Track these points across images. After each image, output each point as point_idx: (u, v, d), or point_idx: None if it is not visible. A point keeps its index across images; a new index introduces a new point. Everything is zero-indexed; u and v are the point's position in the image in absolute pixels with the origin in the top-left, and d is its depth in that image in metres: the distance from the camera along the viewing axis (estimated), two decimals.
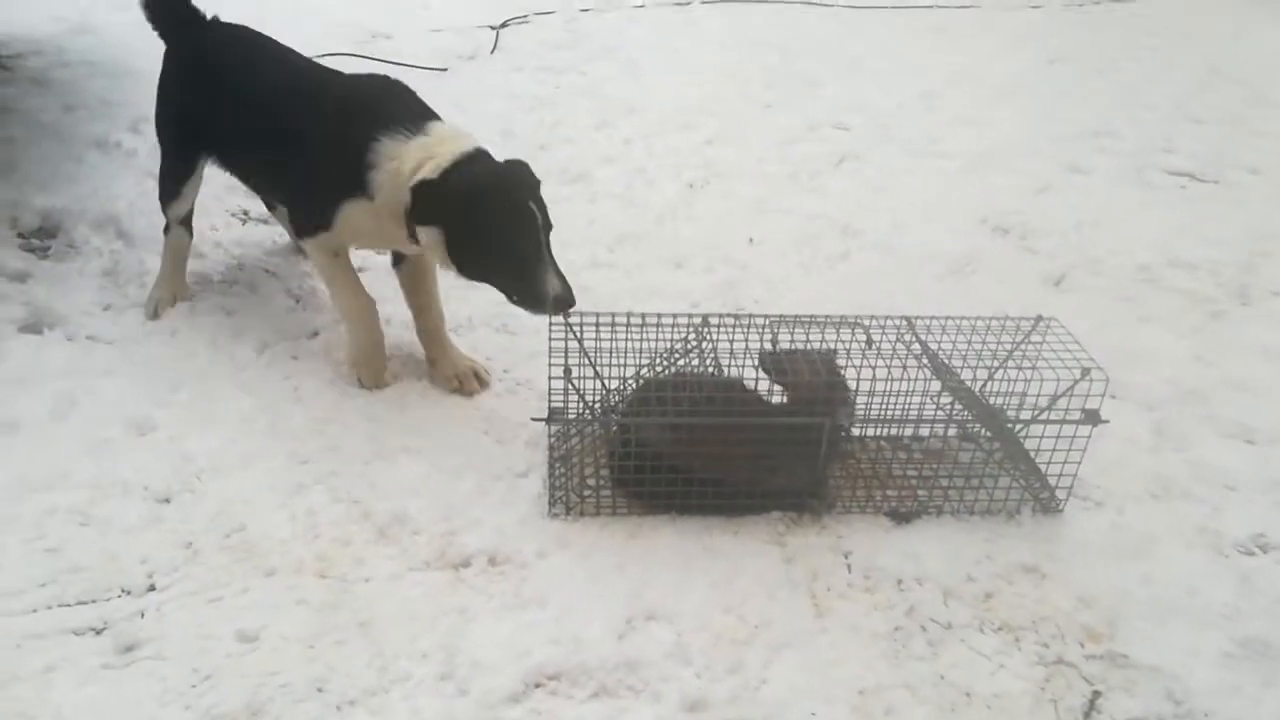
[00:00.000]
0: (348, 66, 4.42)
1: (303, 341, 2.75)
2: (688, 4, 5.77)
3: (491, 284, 2.38)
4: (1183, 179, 4.16)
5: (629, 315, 2.32)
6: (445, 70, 4.63)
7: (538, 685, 1.85)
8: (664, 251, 3.35)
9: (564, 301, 2.28)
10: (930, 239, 3.54)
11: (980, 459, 2.39)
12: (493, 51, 4.93)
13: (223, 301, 2.90)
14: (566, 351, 2.23)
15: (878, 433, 2.43)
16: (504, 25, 5.20)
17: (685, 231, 3.50)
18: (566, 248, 3.31)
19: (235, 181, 3.44)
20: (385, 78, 2.57)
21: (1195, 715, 1.88)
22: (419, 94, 2.53)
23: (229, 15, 2.81)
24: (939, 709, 1.86)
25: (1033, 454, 2.35)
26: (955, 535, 2.24)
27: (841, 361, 2.24)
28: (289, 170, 2.55)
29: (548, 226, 2.33)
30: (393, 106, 2.42)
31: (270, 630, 1.92)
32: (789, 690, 1.88)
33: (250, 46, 2.73)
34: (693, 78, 4.73)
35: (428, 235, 2.32)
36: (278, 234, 3.22)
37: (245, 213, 3.34)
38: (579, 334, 2.29)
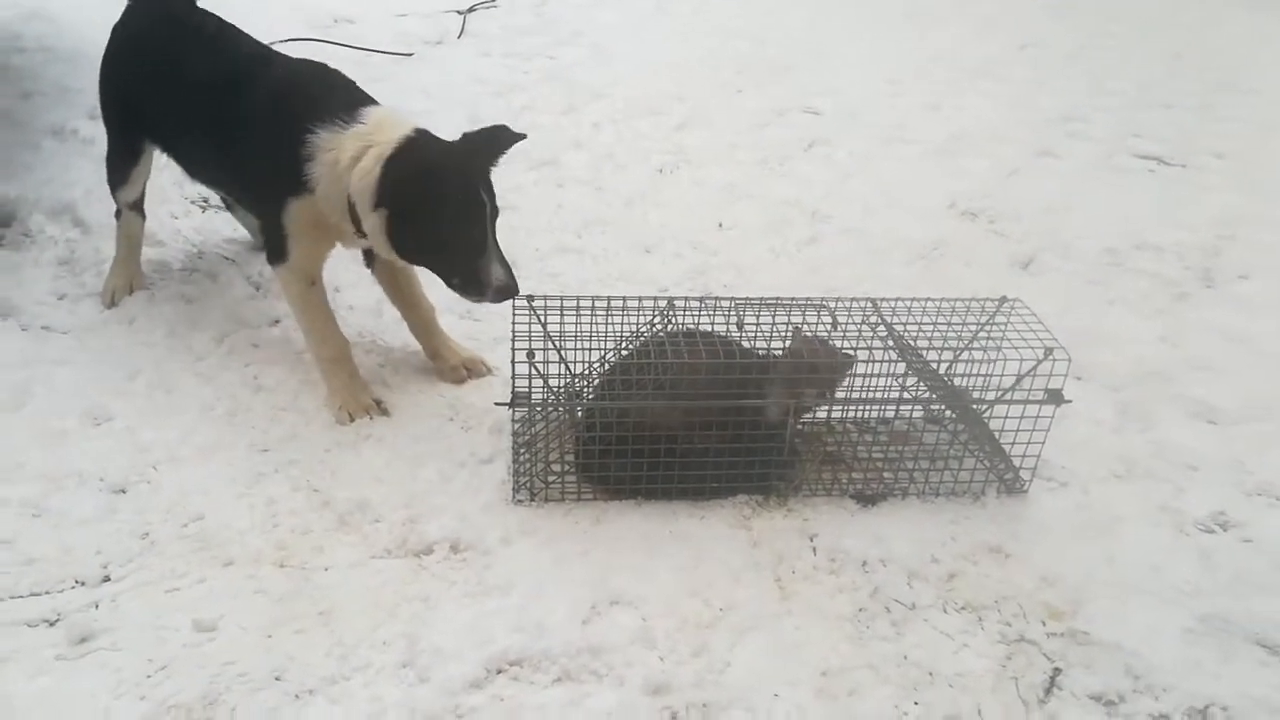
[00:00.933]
0: (309, 52, 4.37)
1: (264, 330, 2.71)
2: None
3: (431, 269, 2.30)
4: (1151, 163, 4.18)
5: (593, 299, 2.30)
6: (411, 55, 4.58)
7: (500, 671, 1.83)
8: (633, 237, 3.33)
9: (506, 290, 2.22)
10: (899, 223, 3.54)
11: (945, 440, 2.40)
12: (459, 36, 4.88)
13: (182, 289, 2.85)
14: (530, 335, 2.20)
15: (844, 415, 2.42)
16: (471, 10, 5.15)
17: (654, 217, 3.48)
18: (533, 234, 3.32)
19: None
20: (318, 65, 2.45)
21: (1154, 690, 1.89)
22: (361, 81, 2.41)
23: None
24: (902, 688, 1.86)
25: (998, 435, 2.35)
26: (920, 517, 2.24)
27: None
28: (229, 167, 2.45)
29: (494, 212, 2.24)
30: (325, 95, 2.29)
31: (228, 620, 1.90)
32: (753, 673, 1.87)
33: (188, 25, 2.54)
34: (663, 63, 4.70)
35: (370, 221, 2.21)
36: (236, 221, 3.17)
37: (205, 200, 3.29)
38: (543, 318, 2.27)
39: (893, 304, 2.36)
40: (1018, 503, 2.30)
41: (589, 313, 2.29)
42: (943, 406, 2.43)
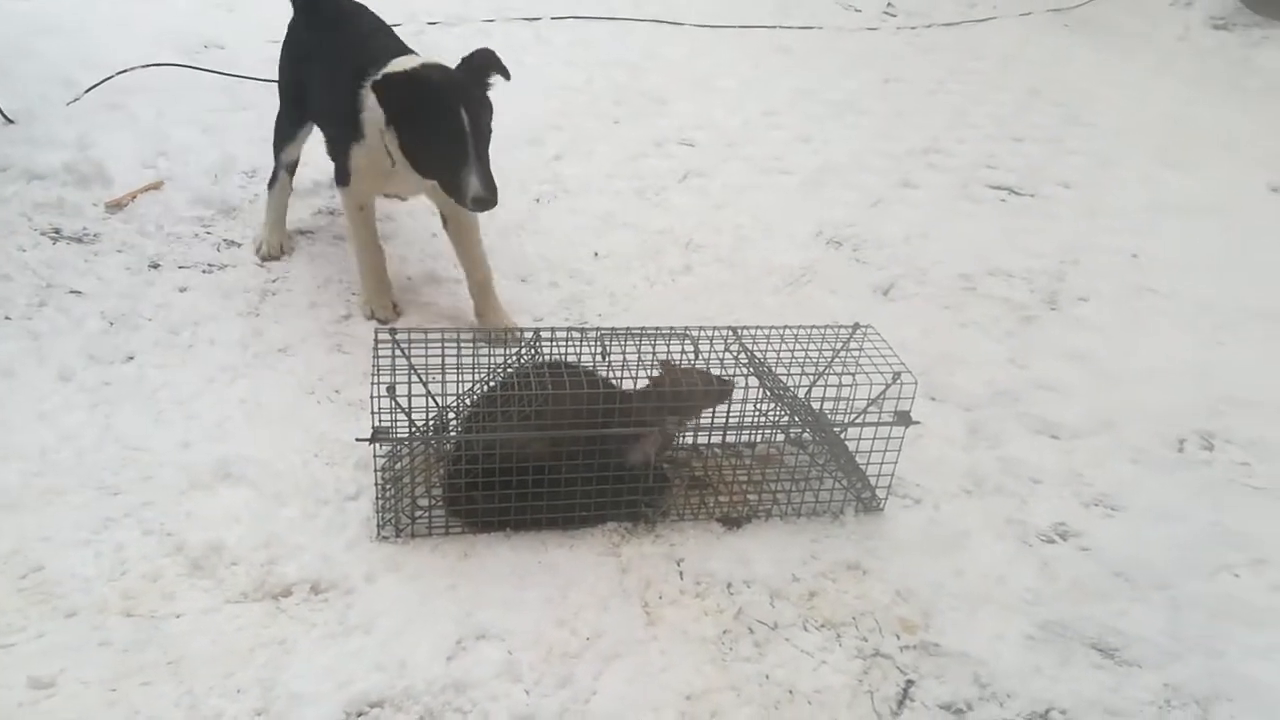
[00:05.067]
0: (175, 78, 4.28)
1: (116, 366, 2.61)
2: (537, 19, 5.77)
3: (433, 179, 2.65)
4: (1003, 193, 4.43)
5: (458, 331, 2.30)
6: None
7: (360, 715, 1.80)
8: (509, 266, 3.34)
9: (483, 201, 2.52)
10: (770, 252, 3.65)
11: (806, 463, 2.48)
12: None
13: (29, 326, 2.72)
14: (394, 369, 2.18)
15: (710, 440, 2.48)
16: None
17: (530, 247, 3.50)
18: (406, 262, 3.30)
19: (44, 198, 3.27)
20: (373, 30, 3.01)
21: (999, 697, 1.99)
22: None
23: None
24: (763, 708, 1.91)
25: (855, 456, 2.45)
26: (782, 537, 2.32)
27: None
28: (328, 125, 3.00)
29: (481, 129, 2.53)
30: (373, 55, 2.72)
31: (68, 674, 1.81)
32: (618, 700, 1.89)
33: (324, 15, 3.06)
34: (542, 93, 4.72)
35: (388, 138, 2.61)
36: (91, 251, 3.05)
37: (57, 231, 3.14)
38: (407, 351, 2.25)
39: (753, 332, 2.44)
40: (874, 520, 2.40)
41: (454, 344, 2.28)
42: (802, 430, 2.51)
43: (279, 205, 3.28)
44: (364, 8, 3.16)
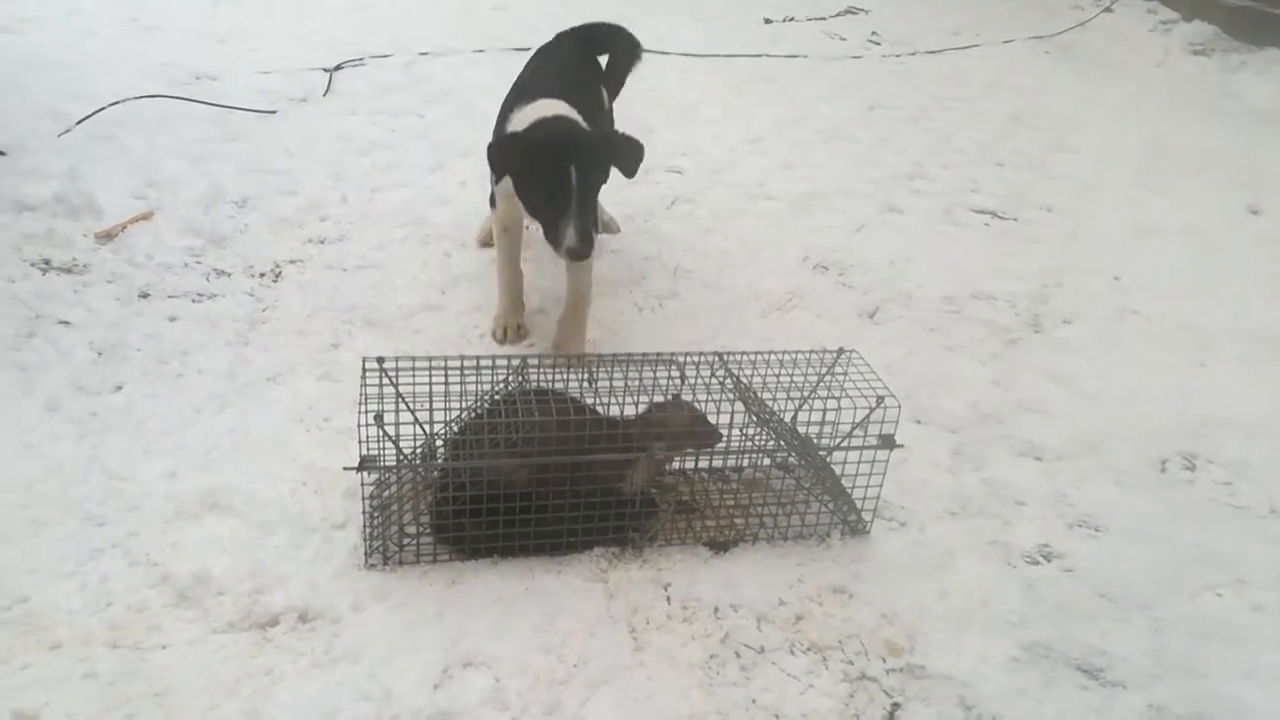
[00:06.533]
0: (165, 109, 4.31)
1: (104, 397, 2.61)
2: (526, 49, 5.83)
3: (538, 222, 2.81)
4: (986, 217, 4.49)
5: (446, 359, 2.32)
6: (274, 113, 4.52)
7: None
8: (497, 294, 3.36)
9: (575, 253, 2.68)
10: (756, 277, 3.68)
11: (792, 486, 2.50)
12: (325, 94, 4.85)
13: (16, 357, 2.72)
14: (381, 397, 2.19)
15: (695, 465, 2.50)
16: (338, 68, 5.12)
17: None
18: (398, 290, 3.32)
19: (34, 229, 3.29)
20: (542, 67, 3.31)
21: (985, 719, 2.00)
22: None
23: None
24: None
25: (841, 479, 2.46)
26: (769, 561, 2.33)
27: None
28: None
29: (586, 185, 2.68)
30: (522, 94, 2.99)
31: (52, 708, 1.81)
32: None
33: (551, 49, 3.47)
34: None
35: (504, 184, 2.83)
36: (81, 282, 3.06)
37: (46, 261, 3.16)
38: (394, 379, 2.27)
39: (739, 357, 2.46)
40: (860, 543, 2.41)
41: (442, 372, 2.30)
42: (788, 454, 2.53)
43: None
44: (581, 51, 3.48)
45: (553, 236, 2.72)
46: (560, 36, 3.58)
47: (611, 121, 3.56)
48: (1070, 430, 2.94)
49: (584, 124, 2.86)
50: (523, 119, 2.85)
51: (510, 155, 2.75)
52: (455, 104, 4.99)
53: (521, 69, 3.43)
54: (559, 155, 2.66)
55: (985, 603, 2.28)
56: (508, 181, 2.84)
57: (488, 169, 2.86)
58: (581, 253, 2.69)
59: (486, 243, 3.59)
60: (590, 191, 2.74)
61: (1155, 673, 2.14)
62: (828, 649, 2.12)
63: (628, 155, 2.82)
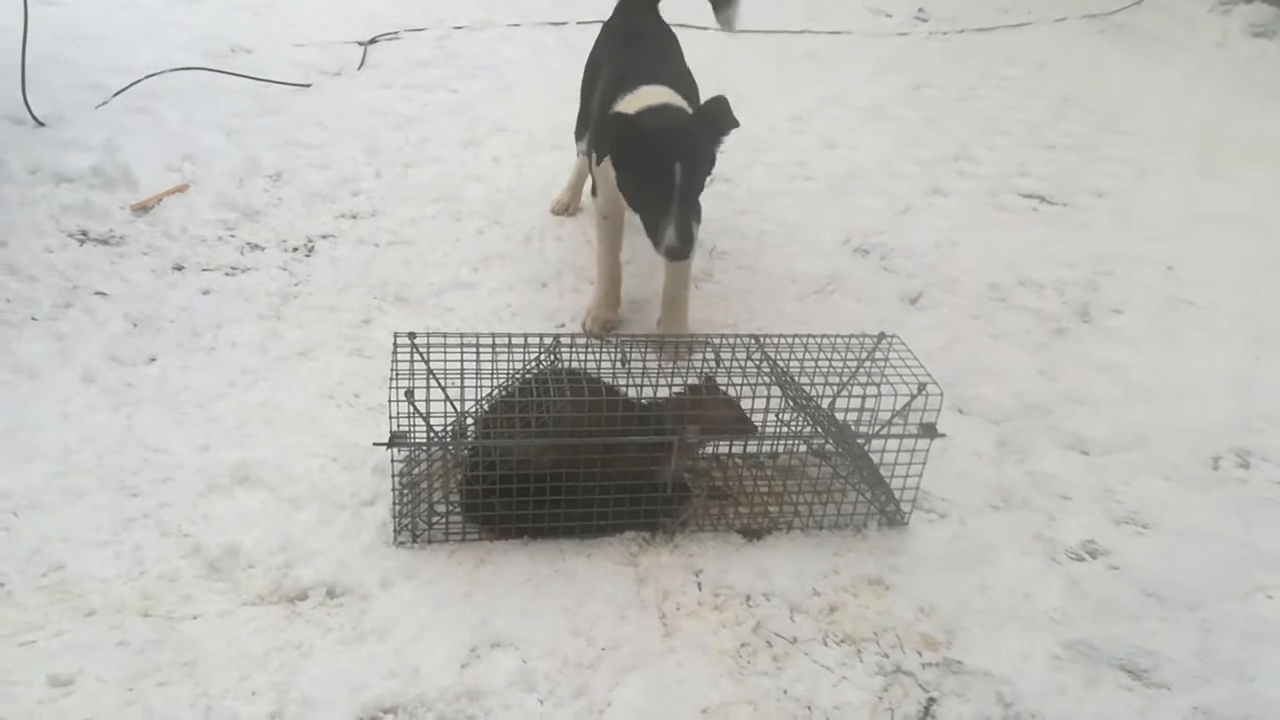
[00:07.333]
0: (202, 81, 4.32)
1: (139, 368, 2.62)
2: (563, 24, 5.78)
3: (639, 215, 2.69)
4: (1034, 201, 4.36)
5: (478, 337, 2.29)
6: (309, 86, 4.51)
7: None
8: (529, 272, 3.33)
9: (674, 252, 2.56)
10: (794, 260, 3.61)
11: (828, 474, 2.44)
12: (359, 68, 4.83)
13: (54, 327, 2.74)
14: (413, 374, 2.17)
15: (729, 450, 2.45)
16: (373, 41, 5.10)
17: (552, 252, 3.48)
18: (429, 268, 3.30)
19: (72, 200, 3.31)
20: (646, 50, 3.10)
21: (1023, 717, 1.94)
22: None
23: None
24: None
25: (879, 468, 2.40)
26: (803, 550, 2.28)
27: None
28: (591, 137, 3.07)
29: (691, 181, 2.56)
30: (628, 76, 2.80)
31: (86, 674, 1.82)
32: (633, 712, 1.87)
33: (637, 31, 3.23)
34: (565, 98, 4.71)
35: (605, 168, 2.72)
36: (117, 253, 3.07)
37: (84, 233, 3.17)
38: (425, 355, 2.24)
39: (776, 340, 2.41)
40: (898, 534, 2.35)
41: (474, 349, 2.27)
42: (825, 441, 2.47)
43: (579, 172, 3.69)
44: (662, 27, 3.34)
45: (652, 234, 2.62)
46: (628, 6, 3.38)
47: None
48: (1118, 423, 2.85)
49: (688, 109, 2.73)
50: (627, 106, 2.70)
51: (616, 137, 2.61)
52: (490, 79, 4.95)
53: (594, 47, 3.36)
54: (664, 150, 2.54)
55: (1027, 598, 2.21)
56: (608, 165, 2.73)
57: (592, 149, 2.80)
58: (681, 253, 2.58)
59: (557, 211, 3.62)
60: (694, 189, 2.62)
61: (1202, 674, 2.07)
62: (862, 641, 2.07)
63: (724, 117, 2.64)
